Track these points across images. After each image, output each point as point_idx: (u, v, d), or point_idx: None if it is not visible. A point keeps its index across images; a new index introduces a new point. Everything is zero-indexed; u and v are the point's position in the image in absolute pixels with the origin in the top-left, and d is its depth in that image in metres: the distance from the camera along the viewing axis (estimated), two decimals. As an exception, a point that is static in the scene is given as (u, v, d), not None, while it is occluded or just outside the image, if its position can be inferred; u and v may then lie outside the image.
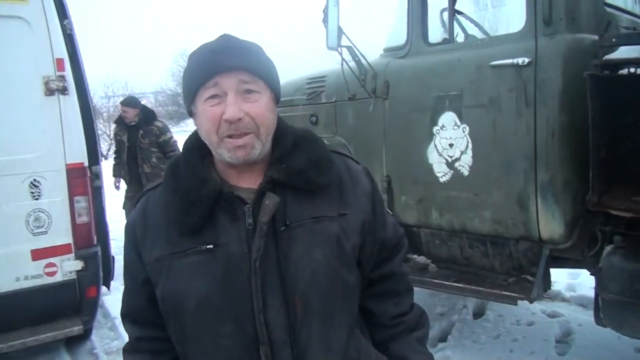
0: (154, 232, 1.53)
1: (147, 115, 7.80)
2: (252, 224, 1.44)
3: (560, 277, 5.58)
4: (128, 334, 1.66)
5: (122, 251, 1.64)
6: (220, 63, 1.42)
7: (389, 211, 1.68)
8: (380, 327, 1.70)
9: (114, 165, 7.96)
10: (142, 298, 1.58)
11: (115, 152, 8.06)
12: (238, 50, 1.45)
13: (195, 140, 1.56)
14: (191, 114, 1.54)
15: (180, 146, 1.63)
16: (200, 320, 1.46)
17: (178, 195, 1.48)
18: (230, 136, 1.42)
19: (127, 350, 1.66)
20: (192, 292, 1.45)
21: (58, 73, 4.28)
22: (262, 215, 1.42)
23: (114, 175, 7.92)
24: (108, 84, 30.68)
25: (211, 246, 1.45)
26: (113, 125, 7.84)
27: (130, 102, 7.87)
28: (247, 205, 1.46)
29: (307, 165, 1.51)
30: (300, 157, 1.52)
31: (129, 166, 7.59)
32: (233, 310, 1.44)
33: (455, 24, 4.37)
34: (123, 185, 7.96)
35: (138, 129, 7.53)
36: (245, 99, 1.43)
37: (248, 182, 1.52)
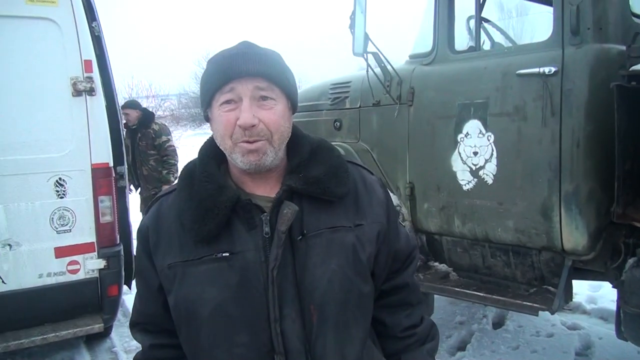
0: (167, 238, 1.51)
1: (146, 118, 7.74)
2: (269, 233, 1.44)
3: (581, 289, 5.53)
4: (139, 342, 1.65)
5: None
6: (237, 68, 1.42)
7: (401, 223, 1.70)
8: (391, 339, 1.71)
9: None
10: (156, 305, 1.56)
11: None
12: (256, 57, 1.45)
13: (211, 147, 1.56)
14: (207, 119, 1.54)
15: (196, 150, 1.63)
16: (214, 328, 1.45)
17: (194, 202, 1.46)
18: (244, 141, 1.42)
19: (139, 358, 1.66)
20: (207, 300, 1.44)
21: (86, 74, 4.32)
22: (280, 224, 1.42)
23: None
24: (132, 85, 30.86)
25: (227, 254, 1.44)
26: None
27: (130, 104, 7.88)
28: (265, 214, 1.45)
29: (325, 175, 1.50)
30: (318, 167, 1.52)
31: (134, 169, 7.58)
32: (248, 319, 1.43)
33: (482, 32, 4.36)
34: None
35: (137, 131, 7.55)
36: (261, 105, 1.43)
37: (263, 191, 1.52)
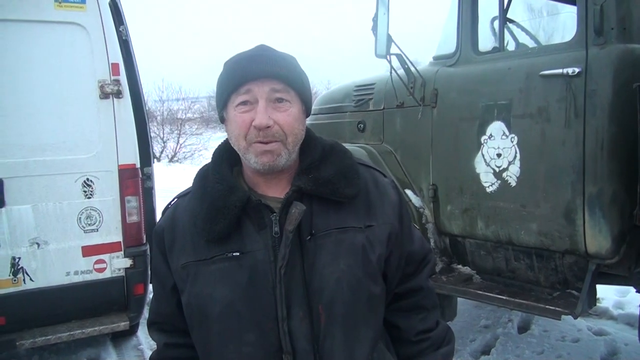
0: (181, 239, 1.55)
1: None
2: (278, 233, 1.45)
3: (608, 294, 5.45)
4: (155, 341, 1.70)
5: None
6: (253, 70, 1.44)
7: (415, 225, 1.71)
8: (405, 343, 1.70)
9: None
10: (170, 305, 1.60)
11: None
12: (272, 59, 1.47)
13: (224, 150, 1.59)
14: (222, 120, 1.57)
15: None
16: (224, 327, 1.47)
17: (206, 202, 1.49)
18: (258, 142, 1.45)
19: (155, 357, 1.70)
20: (217, 298, 1.46)
21: (113, 77, 4.40)
22: (288, 224, 1.43)
23: None
24: (162, 88, 31.23)
25: (237, 253, 1.46)
26: None
27: None
28: (274, 214, 1.47)
29: (335, 176, 1.52)
30: (329, 168, 1.53)
31: None
32: (256, 318, 1.45)
33: (506, 33, 4.33)
34: None
35: None
36: (276, 107, 1.45)
37: (275, 191, 1.54)
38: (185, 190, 1.66)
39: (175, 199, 1.66)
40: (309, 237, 1.48)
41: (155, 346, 1.73)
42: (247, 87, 1.44)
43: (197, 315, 1.51)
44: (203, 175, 1.58)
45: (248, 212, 1.48)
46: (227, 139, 1.57)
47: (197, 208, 1.51)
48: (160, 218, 1.67)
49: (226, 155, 1.59)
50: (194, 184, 1.59)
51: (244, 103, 1.46)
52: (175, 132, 27.87)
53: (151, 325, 1.69)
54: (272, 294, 1.44)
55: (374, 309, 1.56)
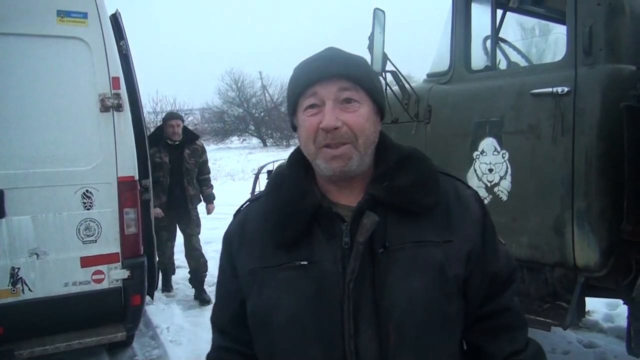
0: (250, 243, 1.50)
1: (190, 132, 7.17)
2: (348, 243, 1.37)
3: (598, 307, 5.53)
4: (213, 340, 1.66)
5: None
6: (319, 71, 1.39)
7: (501, 241, 1.65)
8: None
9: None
10: (232, 309, 1.56)
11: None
12: (339, 59, 1.42)
13: (299, 154, 1.51)
14: (294, 128, 1.50)
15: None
16: (288, 338, 1.41)
17: (278, 206, 1.45)
18: (327, 146, 1.37)
19: (209, 356, 1.65)
20: (282, 307, 1.40)
21: (113, 91, 4.48)
22: (359, 235, 1.35)
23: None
24: (157, 99, 31.11)
25: (305, 262, 1.40)
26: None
27: (179, 115, 7.23)
28: (345, 224, 1.39)
29: (412, 185, 1.42)
30: (405, 176, 1.43)
31: (171, 191, 6.70)
32: (322, 332, 1.37)
33: (498, 52, 4.45)
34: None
35: (183, 148, 6.79)
36: (344, 108, 1.38)
37: (348, 199, 1.45)
38: (259, 193, 1.62)
39: (248, 203, 1.62)
40: (382, 249, 1.38)
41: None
42: (313, 89, 1.39)
43: (261, 323, 1.45)
44: (277, 178, 1.53)
45: (319, 219, 1.41)
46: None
47: (269, 211, 1.47)
48: (231, 222, 1.61)
49: (301, 160, 1.51)
50: (267, 186, 1.56)
51: (312, 106, 1.40)
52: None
53: (214, 324, 1.66)
54: (340, 308, 1.36)
55: (449, 331, 1.44)
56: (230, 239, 1.56)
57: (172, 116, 7.01)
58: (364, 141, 1.39)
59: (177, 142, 6.76)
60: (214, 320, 1.65)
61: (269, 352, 1.46)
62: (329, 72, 1.38)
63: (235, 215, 1.62)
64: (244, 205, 1.62)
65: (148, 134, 5.35)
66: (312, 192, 1.45)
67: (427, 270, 1.38)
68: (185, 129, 7.00)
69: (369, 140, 1.41)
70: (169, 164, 6.66)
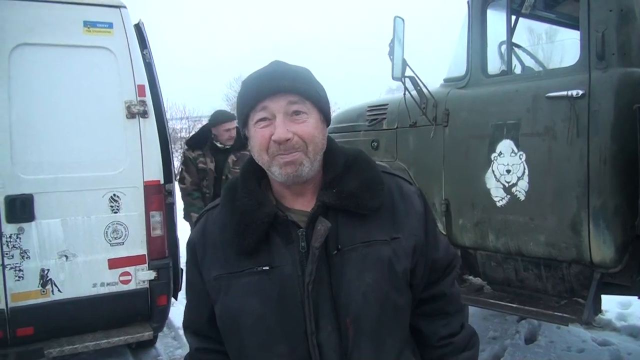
0: (212, 251, 1.58)
1: (241, 137, 6.30)
2: (305, 248, 1.48)
3: (611, 307, 5.62)
4: (189, 344, 1.76)
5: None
6: (267, 87, 1.48)
7: (442, 232, 1.79)
8: (429, 348, 1.70)
9: (192, 199, 5.92)
10: (202, 313, 1.64)
11: (192, 184, 5.96)
12: (286, 74, 1.50)
13: (252, 164, 1.61)
14: (246, 138, 1.60)
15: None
16: (256, 338, 1.50)
17: (235, 216, 1.52)
18: (280, 154, 1.48)
19: (188, 359, 1.75)
20: (249, 311, 1.49)
21: (139, 98, 4.61)
22: (314, 240, 1.46)
23: (192, 213, 5.78)
24: (167, 107, 31.06)
25: (267, 268, 1.49)
26: (185, 149, 6.14)
27: (234, 115, 5.70)
28: (301, 229, 1.49)
29: (358, 188, 1.52)
30: (352, 181, 1.54)
31: (214, 199, 5.73)
32: (287, 331, 1.48)
33: (513, 57, 4.57)
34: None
35: (230, 153, 6.04)
36: (294, 120, 1.48)
37: (302, 204, 1.56)
38: (214, 202, 1.69)
39: (205, 211, 1.71)
40: (336, 251, 1.50)
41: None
42: (263, 104, 1.48)
43: (229, 327, 1.55)
44: (232, 189, 1.61)
45: (276, 227, 1.51)
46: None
47: (226, 222, 1.55)
48: (192, 231, 1.71)
49: (254, 169, 1.60)
50: (222, 197, 1.63)
51: (262, 119, 1.49)
52: (180, 150, 27.99)
53: (186, 329, 1.75)
54: (301, 308, 1.47)
55: (400, 319, 1.59)
56: (194, 248, 1.65)
57: (227, 117, 6.08)
58: (313, 148, 1.50)
59: (227, 147, 6.04)
60: (188, 324, 1.74)
61: (239, 352, 1.56)
62: (278, 87, 1.47)
63: (195, 222, 1.74)
64: (203, 214, 1.70)
65: (189, 136, 5.31)
66: (266, 201, 1.54)
67: (378, 267, 1.51)
68: (237, 131, 5.80)
69: (318, 147, 1.52)
70: (214, 172, 5.98)
